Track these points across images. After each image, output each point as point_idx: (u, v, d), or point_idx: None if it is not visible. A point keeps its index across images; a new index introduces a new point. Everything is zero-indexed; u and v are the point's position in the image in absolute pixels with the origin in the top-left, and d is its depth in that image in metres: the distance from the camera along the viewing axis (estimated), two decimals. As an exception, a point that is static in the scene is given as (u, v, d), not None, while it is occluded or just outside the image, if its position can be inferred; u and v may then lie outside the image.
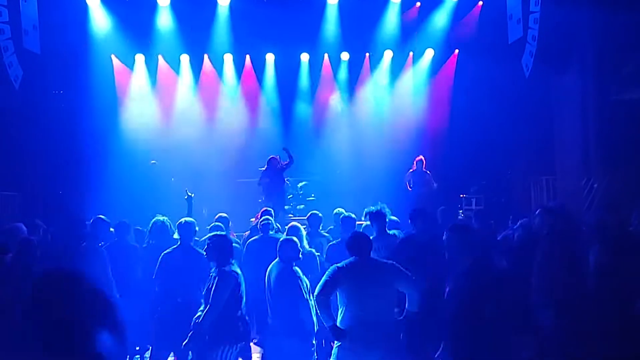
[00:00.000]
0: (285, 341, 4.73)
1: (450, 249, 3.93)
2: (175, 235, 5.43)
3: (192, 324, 4.31)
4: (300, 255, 4.98)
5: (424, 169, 10.61)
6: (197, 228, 5.59)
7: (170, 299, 5.08)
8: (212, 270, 4.42)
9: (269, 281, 4.92)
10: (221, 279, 4.28)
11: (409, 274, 4.16)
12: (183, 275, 5.06)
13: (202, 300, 4.41)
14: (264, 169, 10.11)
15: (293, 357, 4.71)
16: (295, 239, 5.08)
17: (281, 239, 5.04)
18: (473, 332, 3.67)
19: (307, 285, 4.84)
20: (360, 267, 4.10)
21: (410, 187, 10.57)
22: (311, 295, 4.76)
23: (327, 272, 4.13)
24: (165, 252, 5.24)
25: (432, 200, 10.28)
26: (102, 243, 5.69)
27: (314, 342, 4.85)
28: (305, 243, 5.82)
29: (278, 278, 4.84)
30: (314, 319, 4.73)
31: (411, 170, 10.68)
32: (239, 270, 4.42)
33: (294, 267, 4.88)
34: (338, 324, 4.03)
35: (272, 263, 5.00)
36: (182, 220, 5.43)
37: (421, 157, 10.64)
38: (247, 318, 4.46)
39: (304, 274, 4.97)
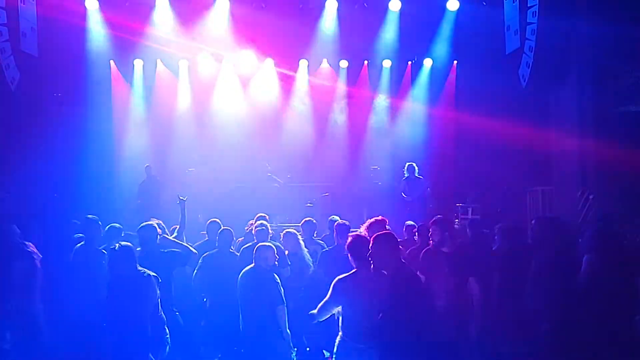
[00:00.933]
0: (259, 346, 4.73)
1: (376, 257, 3.92)
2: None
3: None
4: (277, 262, 4.96)
5: (417, 175, 10.64)
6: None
7: None
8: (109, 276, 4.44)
9: (244, 286, 4.88)
10: (139, 284, 4.30)
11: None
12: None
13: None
14: None
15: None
16: (272, 245, 5.07)
17: (258, 245, 5.02)
18: (391, 345, 3.69)
19: (282, 291, 4.84)
20: (358, 279, 4.11)
21: (405, 195, 10.57)
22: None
23: (330, 291, 4.16)
24: None
25: (427, 205, 10.36)
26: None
27: (292, 346, 4.89)
28: (305, 251, 5.82)
29: (256, 283, 4.82)
30: (287, 325, 4.80)
31: (404, 177, 10.71)
32: (151, 272, 4.43)
33: (272, 273, 4.86)
34: (340, 325, 4.12)
35: (246, 268, 4.96)
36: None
37: (412, 163, 10.68)
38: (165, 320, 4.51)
39: (296, 279, 4.93)
